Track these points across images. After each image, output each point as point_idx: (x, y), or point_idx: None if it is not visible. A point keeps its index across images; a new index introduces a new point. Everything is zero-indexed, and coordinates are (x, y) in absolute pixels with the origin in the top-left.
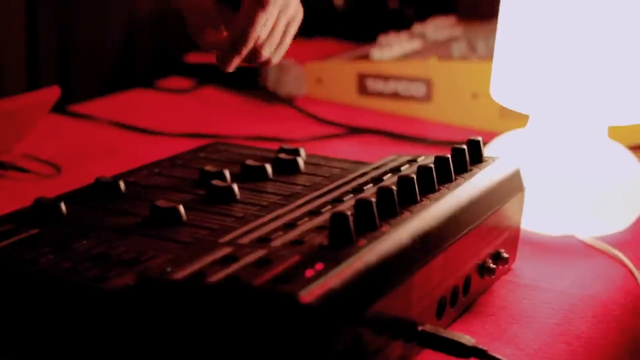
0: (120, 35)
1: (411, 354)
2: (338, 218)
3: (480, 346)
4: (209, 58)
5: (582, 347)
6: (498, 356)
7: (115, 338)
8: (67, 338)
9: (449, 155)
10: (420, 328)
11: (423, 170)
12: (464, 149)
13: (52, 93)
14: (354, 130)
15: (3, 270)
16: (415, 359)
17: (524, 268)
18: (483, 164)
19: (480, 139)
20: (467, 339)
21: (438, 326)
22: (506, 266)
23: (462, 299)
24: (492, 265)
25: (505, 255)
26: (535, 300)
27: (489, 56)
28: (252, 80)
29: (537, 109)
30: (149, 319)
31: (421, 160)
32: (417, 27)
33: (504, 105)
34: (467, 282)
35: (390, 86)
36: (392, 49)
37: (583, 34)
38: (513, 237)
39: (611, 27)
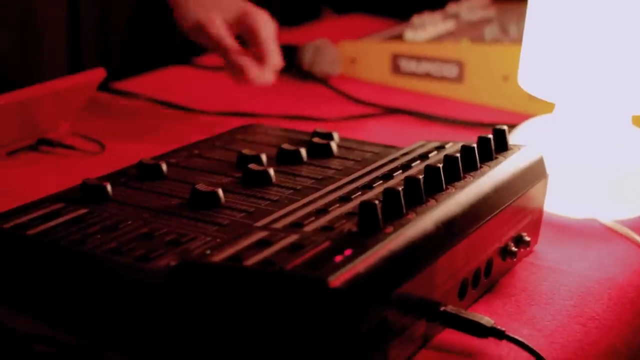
0: (158, 12)
1: (433, 332)
2: (367, 207)
3: (499, 327)
4: None
5: (596, 329)
6: (515, 337)
7: (157, 316)
8: (111, 315)
9: (475, 145)
10: (442, 308)
11: (449, 160)
12: (489, 139)
13: (98, 74)
14: (387, 111)
15: (53, 248)
16: (438, 337)
17: (545, 250)
18: (508, 152)
19: (505, 128)
20: (487, 320)
21: (460, 307)
22: (528, 249)
23: (484, 281)
24: (514, 249)
25: (527, 238)
26: (555, 283)
27: (520, 39)
28: (288, 59)
29: (562, 97)
30: (189, 298)
31: (449, 147)
32: (451, 7)
33: (531, 93)
34: (489, 264)
35: (423, 67)
36: (425, 30)
37: (609, 24)
38: (535, 221)
39: (637, 17)
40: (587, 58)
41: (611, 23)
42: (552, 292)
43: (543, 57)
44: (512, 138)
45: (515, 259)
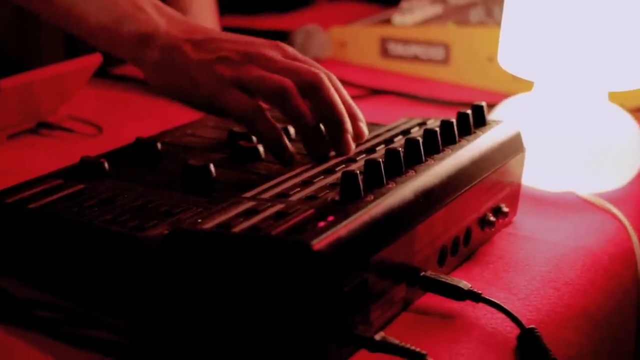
0: None
1: (414, 297)
2: (348, 176)
3: (476, 290)
4: (245, 22)
5: (569, 293)
6: (491, 298)
7: (151, 282)
8: (108, 281)
9: (454, 120)
10: (422, 274)
11: (429, 133)
12: (468, 114)
13: (94, 59)
14: (375, 92)
15: (54, 220)
16: (418, 301)
17: (524, 221)
18: (486, 127)
19: (484, 104)
20: (464, 284)
21: (439, 272)
22: (506, 219)
23: (463, 249)
24: (492, 219)
25: (506, 209)
26: (532, 251)
27: None
28: None
29: (541, 76)
30: (181, 264)
31: (430, 124)
32: None
33: (511, 73)
34: (468, 233)
35: (411, 50)
36: (413, 14)
37: (585, 3)
38: (514, 193)
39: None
40: (564, 37)
41: (588, 2)
42: (528, 259)
43: (521, 36)
44: (493, 115)
45: (493, 229)
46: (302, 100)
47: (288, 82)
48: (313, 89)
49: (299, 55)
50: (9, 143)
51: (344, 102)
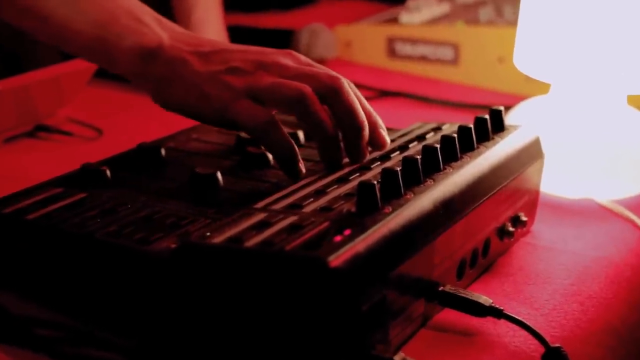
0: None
1: (432, 312)
2: (365, 187)
3: (497, 306)
4: (248, 19)
5: (593, 307)
6: (513, 315)
7: (157, 298)
8: (112, 297)
9: (472, 125)
10: (440, 288)
11: (446, 140)
12: (486, 119)
13: None
14: (383, 93)
15: (54, 232)
16: (437, 317)
17: (542, 230)
18: (504, 132)
19: (502, 109)
20: (485, 299)
21: (458, 286)
22: (525, 229)
23: (482, 261)
24: (511, 229)
25: (524, 218)
26: (552, 262)
27: (515, 21)
28: (284, 44)
29: (558, 78)
30: (189, 280)
31: (445, 129)
32: None
33: (527, 74)
34: (487, 244)
35: (419, 50)
36: (420, 13)
37: (604, 4)
38: (532, 201)
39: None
40: (582, 38)
41: (606, 3)
42: (549, 271)
43: (538, 37)
44: (509, 119)
45: (512, 239)
46: (322, 106)
47: (306, 88)
48: (333, 94)
49: (314, 63)
50: (6, 147)
51: (363, 108)
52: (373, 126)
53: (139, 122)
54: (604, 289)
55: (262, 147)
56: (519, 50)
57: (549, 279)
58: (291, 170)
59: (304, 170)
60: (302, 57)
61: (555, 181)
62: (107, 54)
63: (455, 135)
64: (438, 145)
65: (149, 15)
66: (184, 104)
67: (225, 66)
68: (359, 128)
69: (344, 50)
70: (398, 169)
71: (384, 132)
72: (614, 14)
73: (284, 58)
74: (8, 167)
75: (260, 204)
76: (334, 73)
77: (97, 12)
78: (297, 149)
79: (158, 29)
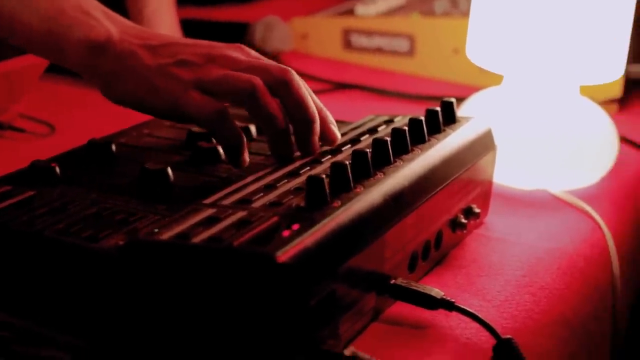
0: None
1: (384, 306)
2: (314, 181)
3: (448, 298)
4: (202, 13)
5: (546, 298)
6: (465, 307)
7: (106, 295)
8: (61, 295)
9: (423, 118)
10: (392, 281)
11: (397, 133)
12: (437, 111)
13: None
14: (339, 86)
15: (2, 230)
16: (388, 311)
17: (495, 222)
18: (456, 124)
19: (453, 100)
20: (436, 292)
21: (410, 279)
22: (478, 220)
23: (434, 253)
24: (463, 220)
25: (477, 210)
26: (505, 253)
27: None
28: (239, 37)
29: (510, 69)
30: (138, 276)
31: (397, 121)
32: None
33: (479, 66)
34: (439, 236)
35: (375, 41)
36: (376, 5)
37: None
38: (485, 193)
39: None
40: (533, 29)
41: None
42: (502, 262)
43: (490, 29)
44: (461, 110)
45: (465, 231)
46: (273, 99)
47: (257, 80)
48: (283, 86)
49: (263, 57)
50: None
51: (314, 103)
52: (323, 121)
53: (92, 118)
54: (557, 280)
55: (213, 140)
56: (471, 42)
57: (501, 271)
58: (235, 160)
59: (247, 160)
60: (252, 51)
61: (508, 172)
62: (56, 47)
63: (406, 127)
64: (388, 138)
65: (97, 9)
66: (134, 97)
67: (174, 59)
68: (309, 121)
69: (300, 42)
70: (347, 162)
71: (334, 127)
72: (566, 5)
73: (234, 51)
74: None
75: (209, 200)
76: (282, 66)
77: (46, 5)
78: (245, 139)
79: (107, 22)
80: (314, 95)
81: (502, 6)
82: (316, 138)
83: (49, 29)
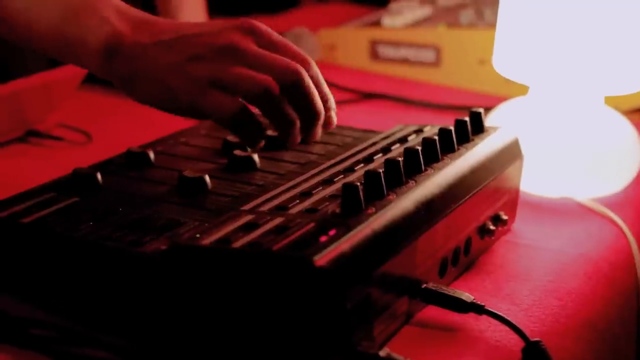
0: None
1: (416, 309)
2: (349, 188)
3: (478, 302)
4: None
5: (572, 302)
6: (494, 311)
7: (149, 298)
8: (104, 298)
9: (452, 128)
10: (424, 286)
11: (428, 142)
12: (466, 121)
13: None
14: (366, 96)
15: (48, 235)
16: (420, 314)
17: (523, 229)
18: (484, 134)
19: (481, 111)
20: (467, 296)
21: (440, 284)
22: (505, 227)
23: (464, 259)
24: (491, 227)
25: (505, 217)
26: (532, 259)
27: (495, 23)
28: None
29: (536, 80)
30: (180, 280)
31: (427, 131)
32: None
33: (506, 77)
34: (468, 243)
35: (401, 52)
36: (403, 16)
37: (582, 7)
38: (512, 200)
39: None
40: (559, 41)
41: (584, 6)
42: (529, 268)
43: (517, 40)
44: (488, 120)
45: (493, 238)
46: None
47: (271, 83)
48: (294, 86)
49: (274, 35)
50: None
51: (321, 92)
52: (327, 111)
53: (128, 126)
54: (583, 285)
55: (249, 149)
56: (497, 54)
57: (529, 276)
58: (252, 144)
59: (262, 144)
60: (263, 28)
61: (534, 181)
62: (73, 52)
63: (436, 137)
64: (419, 148)
65: (109, 6)
66: (154, 98)
67: (186, 55)
68: (314, 117)
69: (328, 53)
70: (381, 170)
71: (334, 114)
72: (592, 16)
73: (244, 38)
74: (0, 172)
75: (247, 206)
76: (292, 62)
77: (59, 10)
78: (266, 130)
79: (118, 22)
80: (323, 84)
81: (528, 18)
82: (318, 130)
83: (64, 35)
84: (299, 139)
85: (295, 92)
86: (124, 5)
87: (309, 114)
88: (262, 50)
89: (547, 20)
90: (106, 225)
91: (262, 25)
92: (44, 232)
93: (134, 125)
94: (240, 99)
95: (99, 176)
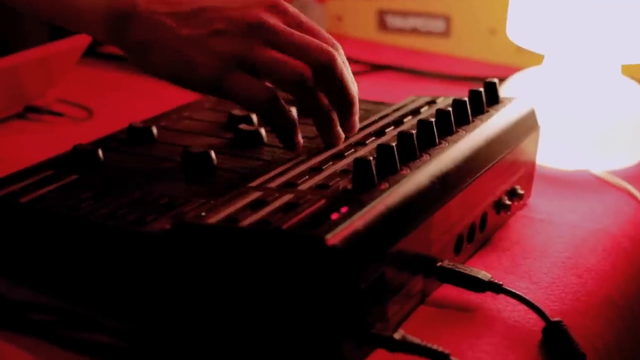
0: None
1: (431, 288)
2: (361, 163)
3: (496, 280)
4: None
5: (592, 279)
6: (513, 290)
7: (153, 279)
8: (107, 279)
9: (466, 99)
10: (439, 264)
11: (442, 114)
12: (480, 92)
13: (83, 40)
14: (375, 67)
15: (47, 215)
16: (435, 294)
17: (539, 203)
18: (499, 105)
19: (496, 81)
20: (484, 274)
21: (456, 262)
22: (521, 202)
23: (479, 235)
24: (507, 202)
25: (521, 191)
26: (549, 235)
27: None
28: None
29: (551, 48)
30: (185, 259)
31: (440, 102)
32: None
33: (520, 45)
34: (484, 218)
35: (410, 22)
36: None
37: None
38: (528, 174)
39: None
40: (575, 8)
41: None
42: (547, 244)
43: (531, 8)
44: (502, 91)
45: (509, 212)
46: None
47: (306, 71)
48: (327, 72)
49: (301, 16)
50: None
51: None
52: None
53: (129, 101)
54: (602, 261)
55: (254, 123)
56: (511, 22)
57: (546, 253)
58: (290, 143)
59: (301, 142)
60: (290, 9)
61: (550, 153)
62: (79, 18)
63: (450, 108)
64: (433, 119)
65: None
66: (170, 71)
67: (209, 29)
68: (350, 103)
69: (335, 24)
70: (394, 144)
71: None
72: None
73: (272, 16)
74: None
75: (255, 183)
76: (325, 46)
77: None
78: (297, 126)
79: None
80: (350, 73)
81: None
82: (356, 118)
83: (76, 2)
84: (339, 131)
85: (328, 77)
86: None
87: (344, 100)
88: (293, 31)
89: None
90: (108, 204)
91: (289, 5)
92: (43, 211)
93: (136, 100)
94: (271, 87)
95: (100, 153)
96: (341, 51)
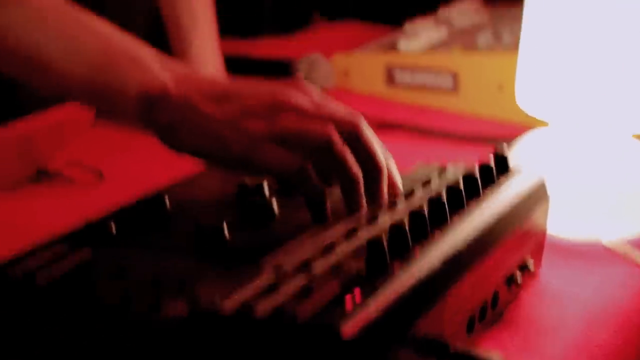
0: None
1: None
2: (374, 246)
3: None
4: (242, 46)
5: (604, 356)
6: None
7: None
8: None
9: (477, 172)
10: (452, 350)
11: (453, 191)
12: (491, 167)
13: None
14: (384, 126)
15: (62, 297)
16: None
17: (549, 274)
18: (509, 174)
19: (507, 153)
20: (497, 356)
21: (468, 342)
22: (532, 275)
23: (491, 313)
24: (519, 277)
25: (532, 266)
26: (560, 310)
27: (514, 46)
28: (283, 75)
29: (559, 118)
30: (200, 346)
31: (450, 172)
32: (443, 12)
33: (528, 113)
34: (496, 296)
35: (418, 78)
36: (418, 39)
37: (605, 46)
38: (539, 245)
39: (635, 38)
40: (584, 79)
41: (610, 43)
42: (558, 320)
43: (539, 78)
44: (511, 154)
45: (520, 287)
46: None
47: (334, 134)
48: (354, 138)
49: (323, 94)
50: (9, 193)
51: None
52: (389, 173)
53: (141, 164)
54: (613, 336)
55: (266, 194)
56: (520, 89)
57: (558, 330)
58: (319, 215)
59: (329, 216)
60: (312, 90)
61: (560, 222)
62: (106, 99)
63: (462, 184)
64: (444, 198)
65: (147, 54)
66: (198, 148)
67: (240, 112)
68: (378, 170)
69: (342, 79)
70: (405, 223)
71: (398, 180)
72: (617, 54)
73: (296, 95)
74: (10, 214)
75: (267, 260)
76: (349, 114)
77: (93, 53)
78: (327, 196)
79: (160, 71)
80: (379, 142)
81: (550, 55)
82: (384, 186)
83: (98, 79)
84: (362, 200)
85: (356, 144)
86: (164, 58)
87: (372, 166)
88: (318, 103)
89: (570, 57)
90: (121, 285)
91: (307, 84)
92: (59, 296)
93: (148, 163)
94: (301, 157)
95: (112, 227)
96: (364, 121)
